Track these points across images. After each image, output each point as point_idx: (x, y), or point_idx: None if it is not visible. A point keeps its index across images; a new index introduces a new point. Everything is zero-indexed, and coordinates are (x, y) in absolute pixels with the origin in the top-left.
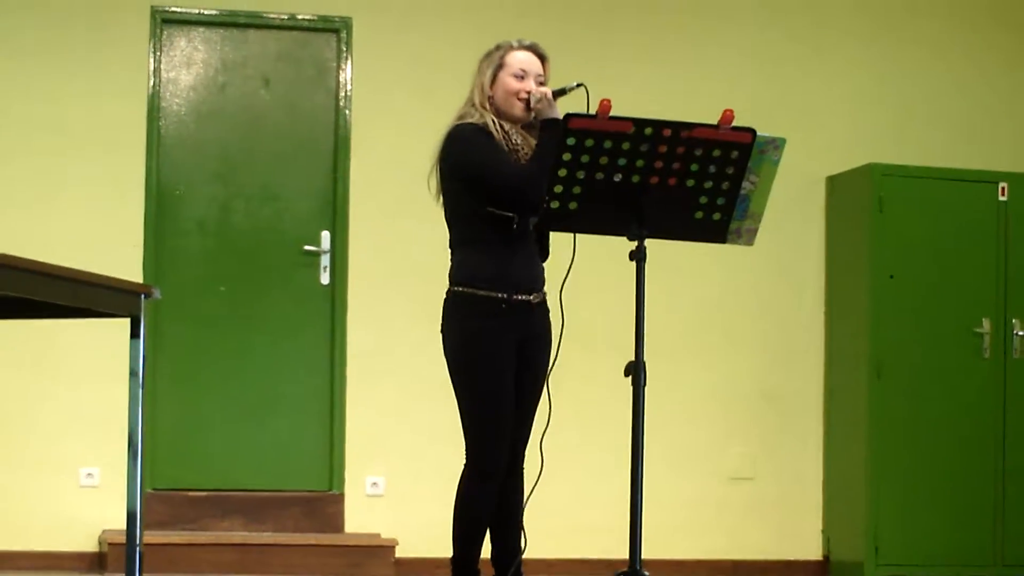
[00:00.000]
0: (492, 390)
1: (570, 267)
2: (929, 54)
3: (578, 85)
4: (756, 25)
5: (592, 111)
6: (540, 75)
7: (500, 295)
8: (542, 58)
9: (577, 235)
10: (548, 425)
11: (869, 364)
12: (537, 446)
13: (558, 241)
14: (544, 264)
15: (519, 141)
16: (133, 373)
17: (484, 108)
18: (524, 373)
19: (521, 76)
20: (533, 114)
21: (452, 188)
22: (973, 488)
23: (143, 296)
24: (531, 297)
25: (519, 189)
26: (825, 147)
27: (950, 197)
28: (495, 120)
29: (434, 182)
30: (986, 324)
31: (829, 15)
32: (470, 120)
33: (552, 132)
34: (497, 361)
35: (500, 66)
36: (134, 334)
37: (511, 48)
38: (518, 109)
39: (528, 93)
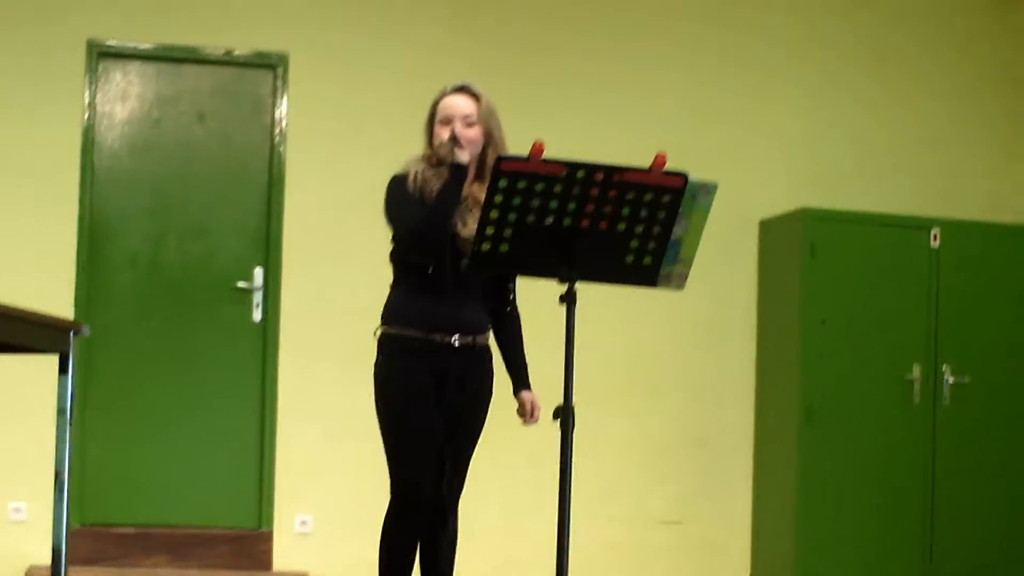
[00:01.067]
0: (407, 425)
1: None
2: (863, 99)
3: (452, 134)
4: (690, 69)
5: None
6: (468, 115)
7: (416, 334)
8: (475, 96)
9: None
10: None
11: (799, 408)
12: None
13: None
14: (510, 310)
15: (436, 188)
16: (61, 410)
17: (421, 158)
18: (449, 415)
19: (446, 121)
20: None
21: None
22: (901, 532)
23: (72, 333)
24: (452, 339)
25: (412, 236)
26: (758, 191)
27: (882, 243)
28: (416, 171)
29: None
30: (916, 370)
31: (763, 60)
32: (402, 171)
33: (449, 177)
34: (411, 397)
35: (433, 114)
36: (62, 370)
37: (442, 95)
38: (445, 155)
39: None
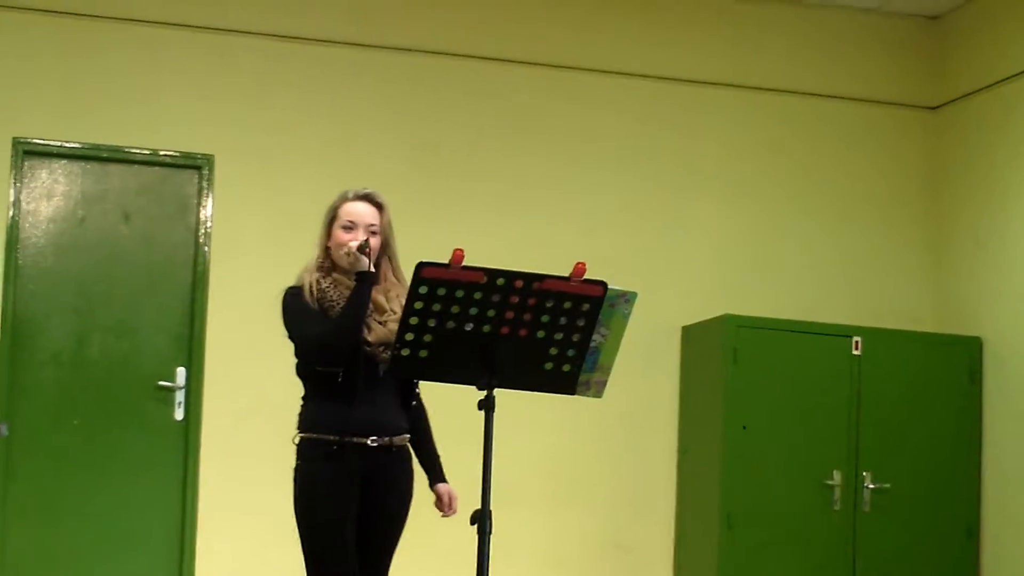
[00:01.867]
0: (325, 529)
1: None
2: (788, 208)
3: (364, 242)
4: (614, 175)
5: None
6: (372, 224)
7: (332, 438)
8: (378, 206)
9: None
10: None
11: (720, 514)
12: None
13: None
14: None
15: (336, 296)
16: None
17: (313, 266)
18: (369, 518)
19: (350, 227)
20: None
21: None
22: None
23: None
24: (368, 440)
25: (320, 347)
26: (681, 297)
27: (805, 350)
28: (311, 282)
29: None
30: (837, 476)
31: (688, 166)
32: (296, 283)
33: (358, 284)
34: (329, 502)
35: (334, 218)
36: None
37: (345, 199)
38: (345, 261)
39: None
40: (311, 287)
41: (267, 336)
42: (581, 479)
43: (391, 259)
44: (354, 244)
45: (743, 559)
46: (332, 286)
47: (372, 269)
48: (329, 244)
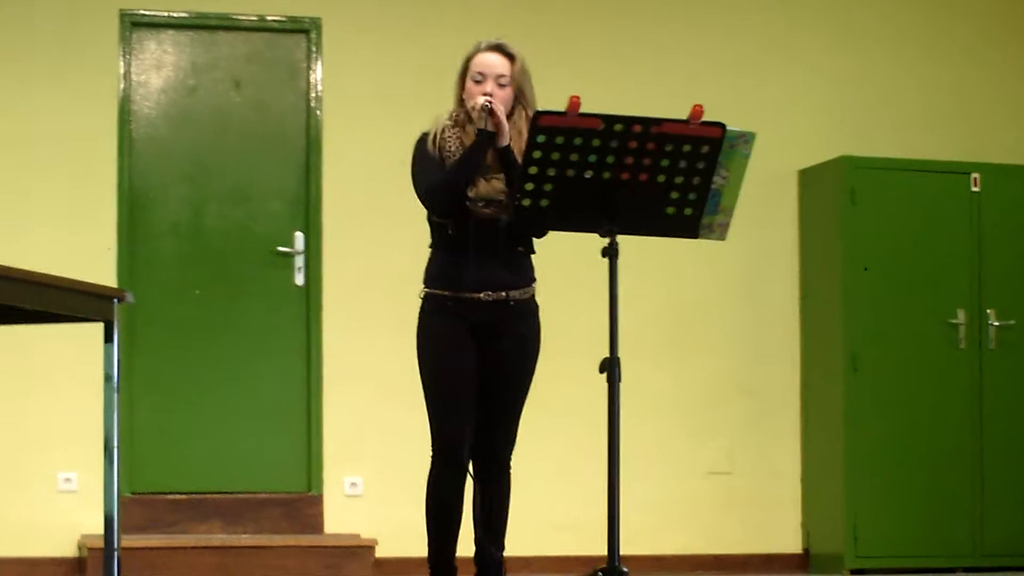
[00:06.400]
0: (443, 380)
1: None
2: (901, 45)
3: (487, 104)
4: (724, 20)
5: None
6: (502, 75)
7: (446, 292)
8: (509, 56)
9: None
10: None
11: (844, 357)
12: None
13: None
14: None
15: (454, 148)
16: (107, 377)
17: (450, 114)
18: (491, 371)
19: (479, 80)
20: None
21: None
22: (950, 479)
23: (116, 300)
24: (480, 295)
25: (428, 196)
26: (797, 140)
27: (923, 188)
28: (437, 130)
29: None
30: (961, 315)
31: (798, 9)
32: (429, 128)
33: (475, 142)
34: (447, 353)
35: (466, 69)
36: (108, 338)
37: (477, 51)
38: (475, 115)
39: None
40: (435, 135)
41: (384, 197)
42: (705, 325)
43: (526, 109)
44: (480, 101)
45: (869, 400)
46: (454, 136)
47: (492, 130)
48: (464, 96)
